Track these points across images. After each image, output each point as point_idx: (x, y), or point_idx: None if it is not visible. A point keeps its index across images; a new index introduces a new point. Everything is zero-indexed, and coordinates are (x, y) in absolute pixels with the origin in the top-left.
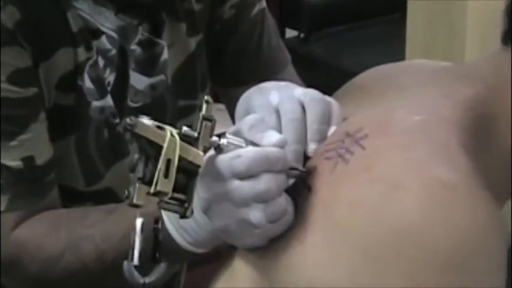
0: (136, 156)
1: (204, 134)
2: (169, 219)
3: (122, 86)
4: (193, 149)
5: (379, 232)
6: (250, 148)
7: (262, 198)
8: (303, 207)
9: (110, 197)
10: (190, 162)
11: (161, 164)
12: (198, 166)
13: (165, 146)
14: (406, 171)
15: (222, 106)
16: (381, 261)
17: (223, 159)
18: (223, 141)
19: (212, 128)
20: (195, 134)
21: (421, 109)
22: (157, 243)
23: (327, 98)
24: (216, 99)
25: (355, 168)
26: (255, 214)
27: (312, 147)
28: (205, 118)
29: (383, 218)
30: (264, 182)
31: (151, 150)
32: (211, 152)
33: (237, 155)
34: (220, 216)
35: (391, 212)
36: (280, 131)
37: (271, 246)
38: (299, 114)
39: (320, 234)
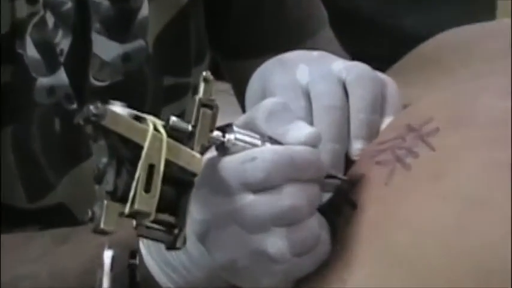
0: (103, 160)
1: (201, 127)
2: (149, 252)
3: (81, 55)
4: (187, 150)
5: (455, 268)
6: (269, 147)
7: (285, 220)
8: (344, 233)
9: (62, 217)
10: (182, 169)
11: (140, 172)
12: (194, 174)
13: (146, 145)
14: (493, 181)
15: (226, 86)
16: None
17: (229, 164)
18: (229, 137)
19: (213, 118)
20: (189, 127)
21: None
22: (134, 286)
23: (380, 75)
24: (218, 77)
25: (420, 177)
26: (275, 243)
27: (357, 146)
28: (203, 104)
29: (460, 248)
30: (289, 196)
31: (126, 151)
32: (212, 153)
33: (250, 158)
34: (224, 247)
35: (472, 240)
36: (311, 123)
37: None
38: (339, 99)
39: (370, 270)
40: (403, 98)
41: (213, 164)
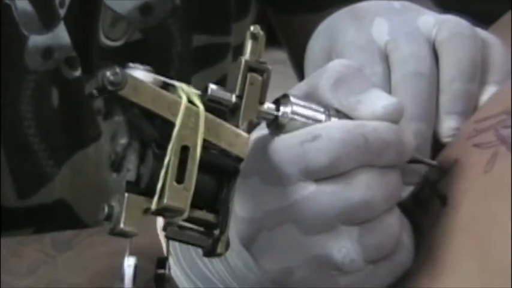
0: (122, 141)
1: (249, 97)
2: (177, 261)
3: (87, 7)
4: (230, 127)
5: None
6: (336, 123)
7: (357, 217)
8: (431, 236)
9: (62, 217)
10: (224, 152)
11: (171, 157)
12: (239, 159)
13: (178, 122)
14: None
15: (283, 56)
16: None
17: (285, 144)
18: (284, 110)
19: (263, 87)
20: (233, 99)
21: None
22: None
23: (481, 32)
24: (272, 43)
25: None
26: (344, 246)
27: (449, 125)
28: (250, 68)
29: None
30: (361, 187)
31: (152, 130)
32: (263, 130)
33: (312, 136)
34: (277, 253)
35: None
36: (390, 93)
37: None
38: (426, 64)
39: (463, 283)
40: (510, 64)
41: (263, 145)
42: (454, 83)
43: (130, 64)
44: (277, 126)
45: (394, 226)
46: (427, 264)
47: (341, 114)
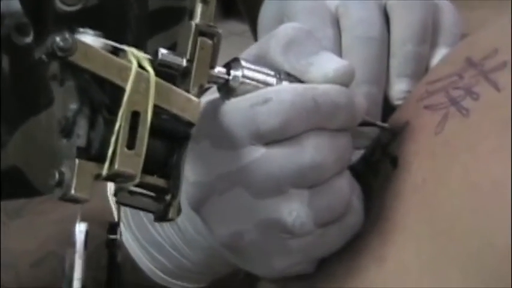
0: (72, 107)
1: (199, 61)
2: (128, 227)
3: None
4: (181, 92)
5: None
6: (287, 86)
7: (307, 180)
8: (382, 199)
9: (14, 183)
10: (175, 117)
11: (122, 122)
12: (190, 124)
13: (128, 87)
14: None
15: (241, 28)
16: None
17: (235, 108)
18: (235, 74)
19: (214, 51)
20: (183, 63)
21: None
22: (114, 269)
23: None
24: (232, 15)
25: (481, 125)
26: (294, 209)
27: (400, 87)
28: (201, 32)
29: None
30: (311, 149)
31: (102, 95)
32: (213, 95)
33: (263, 99)
34: (227, 216)
35: None
36: (341, 56)
37: (321, 274)
38: (376, 28)
39: (415, 246)
40: (462, 25)
41: (214, 109)
42: (405, 45)
43: (81, 29)
44: (228, 90)
45: (345, 189)
46: (378, 226)
47: (292, 78)
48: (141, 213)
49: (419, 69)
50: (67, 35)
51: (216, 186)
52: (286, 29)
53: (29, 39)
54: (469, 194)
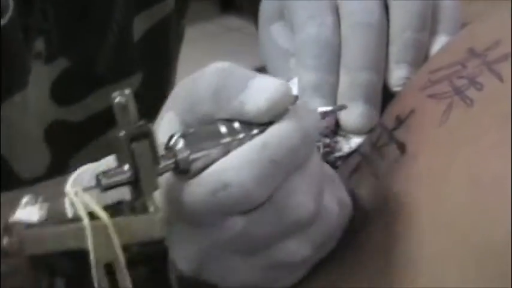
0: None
1: (143, 167)
2: None
3: None
4: (139, 218)
5: None
6: (242, 157)
7: (294, 231)
8: (389, 181)
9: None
10: (146, 244)
11: (100, 283)
12: (162, 239)
13: (91, 248)
14: None
15: (238, 23)
16: None
17: (199, 197)
18: (182, 157)
19: (152, 147)
20: (127, 176)
21: None
22: None
23: None
24: (228, 9)
25: (485, 116)
26: (295, 251)
27: (399, 74)
28: (132, 138)
29: None
30: (294, 205)
31: (71, 264)
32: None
33: (222, 186)
34: (231, 275)
35: None
36: (338, 45)
37: (344, 262)
38: (375, 14)
39: (419, 240)
40: (464, 14)
41: (177, 195)
42: (405, 32)
43: (19, 209)
44: (181, 172)
45: (333, 213)
46: (383, 213)
47: (236, 124)
48: None
49: (419, 56)
50: (6, 239)
51: (206, 256)
52: (210, 75)
53: (4, 21)
54: (470, 189)
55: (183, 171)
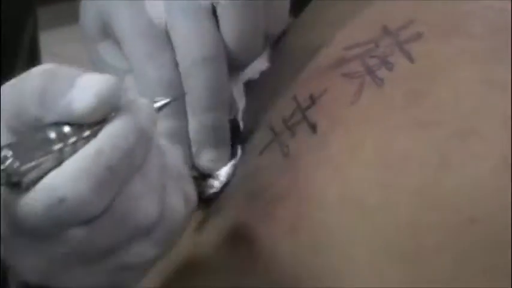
0: None
1: None
2: None
3: None
4: None
5: (429, 217)
6: (73, 169)
7: (138, 235)
8: (299, 160)
9: None
10: None
11: None
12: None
13: None
14: (487, 104)
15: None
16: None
17: (35, 213)
18: (10, 169)
19: None
20: None
21: None
22: None
23: None
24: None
25: (394, 97)
26: (138, 252)
27: None
28: None
29: (439, 190)
30: (130, 215)
31: None
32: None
33: (59, 199)
34: (76, 283)
35: (454, 180)
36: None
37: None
38: (210, 45)
39: (328, 221)
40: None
41: (14, 212)
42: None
43: None
44: (13, 185)
45: (178, 209)
46: (292, 193)
47: (65, 127)
48: None
49: None
50: None
51: (54, 269)
52: (33, 79)
53: None
54: (377, 167)
55: (15, 185)
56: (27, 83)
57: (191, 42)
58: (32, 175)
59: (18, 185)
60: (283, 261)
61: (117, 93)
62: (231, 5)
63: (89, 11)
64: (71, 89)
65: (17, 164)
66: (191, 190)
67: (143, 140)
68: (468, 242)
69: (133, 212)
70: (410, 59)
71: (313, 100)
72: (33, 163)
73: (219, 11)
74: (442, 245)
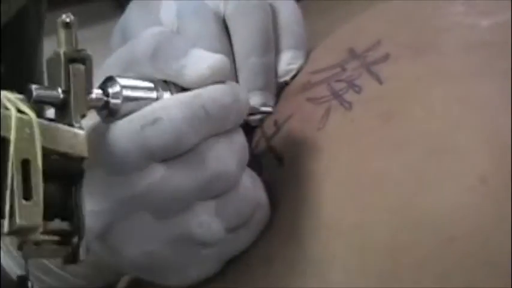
0: None
1: (76, 90)
2: (9, 252)
3: None
4: (66, 129)
5: (405, 237)
6: (173, 99)
7: (212, 191)
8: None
9: None
10: (65, 156)
11: (14, 175)
12: (81, 159)
13: (12, 137)
14: (459, 124)
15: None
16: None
17: (124, 132)
18: (113, 90)
19: (88, 75)
20: (60, 94)
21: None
22: None
23: None
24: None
25: (363, 119)
26: (203, 221)
27: (255, 100)
28: (71, 59)
29: (415, 210)
30: (212, 159)
31: None
32: (94, 119)
33: (152, 120)
34: (137, 239)
35: (431, 199)
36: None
37: (228, 275)
38: (216, 45)
39: (301, 245)
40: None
41: (100, 135)
42: (249, 58)
43: None
44: (110, 112)
45: (250, 191)
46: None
47: (171, 85)
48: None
49: (269, 79)
50: None
51: (119, 212)
52: (147, 39)
53: None
54: (352, 188)
55: (112, 112)
56: (140, 42)
57: (198, 40)
58: (130, 107)
59: (113, 115)
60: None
61: (226, 72)
62: (236, 11)
63: (115, 35)
64: (185, 55)
65: (120, 94)
66: (263, 195)
67: (238, 109)
68: (448, 260)
69: (213, 158)
70: (379, 81)
71: (277, 127)
72: (135, 95)
73: (226, 18)
74: (422, 264)
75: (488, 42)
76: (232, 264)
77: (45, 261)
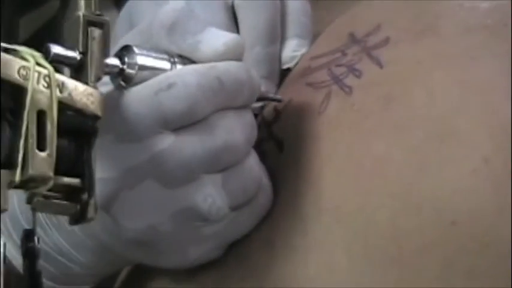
0: None
1: (93, 52)
2: (9, 235)
3: None
4: (83, 86)
5: (408, 222)
6: (188, 67)
7: (220, 164)
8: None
9: None
10: (80, 112)
11: (28, 124)
12: (96, 117)
13: (30, 86)
14: (460, 107)
15: None
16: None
17: (138, 96)
18: (130, 61)
19: (105, 39)
20: (77, 56)
21: None
22: (35, 277)
23: None
24: None
25: (364, 103)
26: (209, 195)
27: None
28: (89, 22)
29: (417, 194)
30: (222, 131)
31: (4, 98)
32: (109, 86)
33: (167, 85)
34: (141, 211)
35: (433, 185)
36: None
37: (229, 259)
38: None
39: (303, 229)
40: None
41: (116, 100)
42: (254, 48)
43: None
44: (124, 79)
45: (255, 168)
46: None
47: (184, 60)
48: (21, 219)
49: (273, 69)
50: None
51: (126, 181)
52: (167, 12)
53: None
54: (353, 173)
55: (127, 79)
56: (160, 14)
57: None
58: (144, 74)
59: (129, 81)
60: (257, 273)
61: (241, 51)
62: (242, 3)
63: (121, 23)
64: (202, 32)
65: (135, 61)
66: (266, 179)
67: (250, 85)
68: (451, 244)
69: (222, 128)
70: (379, 65)
71: (277, 113)
72: (150, 63)
73: (235, 7)
74: (424, 248)
75: (488, 24)
76: (235, 247)
77: (45, 247)
